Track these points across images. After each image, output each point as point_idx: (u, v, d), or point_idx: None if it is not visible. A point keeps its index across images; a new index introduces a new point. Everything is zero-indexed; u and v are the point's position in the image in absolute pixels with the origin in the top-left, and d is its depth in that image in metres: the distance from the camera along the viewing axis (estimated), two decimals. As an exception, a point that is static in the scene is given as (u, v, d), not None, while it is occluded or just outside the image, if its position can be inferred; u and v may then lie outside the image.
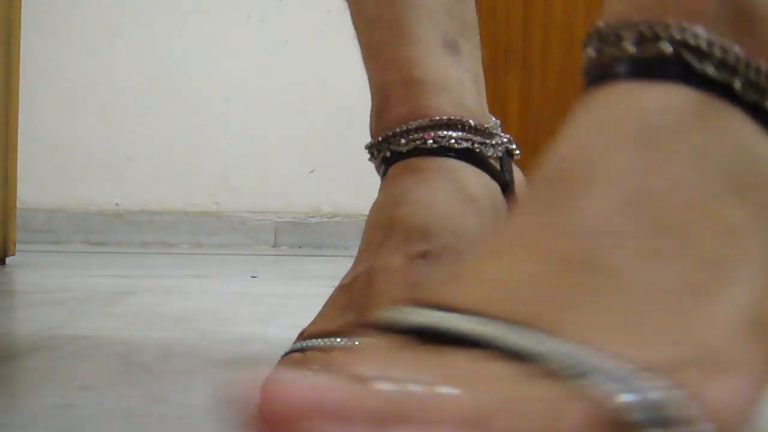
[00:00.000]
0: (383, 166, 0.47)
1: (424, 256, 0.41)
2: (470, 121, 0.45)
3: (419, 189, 0.44)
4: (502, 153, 0.48)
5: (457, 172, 0.45)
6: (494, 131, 0.47)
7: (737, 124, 0.25)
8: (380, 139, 0.47)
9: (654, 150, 0.25)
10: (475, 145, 0.45)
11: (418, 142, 0.45)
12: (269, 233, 1.90)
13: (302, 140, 1.91)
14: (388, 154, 0.47)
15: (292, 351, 0.40)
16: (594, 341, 0.20)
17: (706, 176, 0.24)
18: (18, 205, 1.31)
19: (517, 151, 0.50)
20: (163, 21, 1.89)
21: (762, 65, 0.25)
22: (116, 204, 1.88)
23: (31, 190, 1.81)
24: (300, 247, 1.88)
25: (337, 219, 1.86)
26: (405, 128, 0.45)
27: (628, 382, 0.19)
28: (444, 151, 0.45)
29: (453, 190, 0.44)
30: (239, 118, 1.90)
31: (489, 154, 0.46)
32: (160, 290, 0.98)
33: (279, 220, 1.90)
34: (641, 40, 0.26)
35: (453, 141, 0.45)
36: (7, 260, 1.27)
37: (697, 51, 0.25)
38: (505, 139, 0.48)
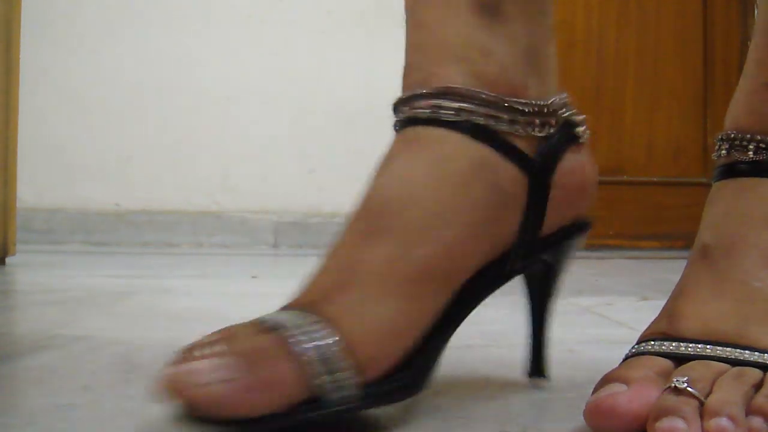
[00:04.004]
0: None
1: (369, 234, 0.40)
2: (481, 92, 0.42)
3: (399, 160, 0.42)
4: (546, 133, 0.43)
5: (446, 145, 0.42)
6: (528, 108, 0.42)
7: None
8: (394, 103, 0.45)
9: None
10: (478, 118, 0.41)
11: (416, 110, 0.42)
12: (269, 233, 1.90)
13: (302, 140, 1.91)
14: (396, 119, 0.44)
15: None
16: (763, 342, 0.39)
17: None
18: (18, 205, 1.31)
19: (582, 136, 0.45)
20: (163, 21, 1.89)
21: None
22: (116, 204, 1.88)
23: (31, 190, 1.81)
24: (300, 247, 1.88)
25: (337, 219, 1.86)
26: (408, 96, 0.43)
27: None
28: (438, 121, 0.42)
29: (433, 164, 0.41)
30: (239, 118, 1.90)
31: (503, 129, 0.42)
32: (160, 290, 0.98)
33: (279, 220, 1.90)
34: (757, 149, 0.44)
35: (450, 112, 0.42)
36: (7, 260, 1.26)
37: None
38: (554, 117, 0.43)
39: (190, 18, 1.90)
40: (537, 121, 0.43)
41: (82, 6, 1.88)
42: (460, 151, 0.41)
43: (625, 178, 1.98)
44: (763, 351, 0.38)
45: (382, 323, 0.38)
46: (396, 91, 0.46)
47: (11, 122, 1.24)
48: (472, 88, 0.42)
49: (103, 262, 1.45)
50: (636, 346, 0.41)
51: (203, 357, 0.34)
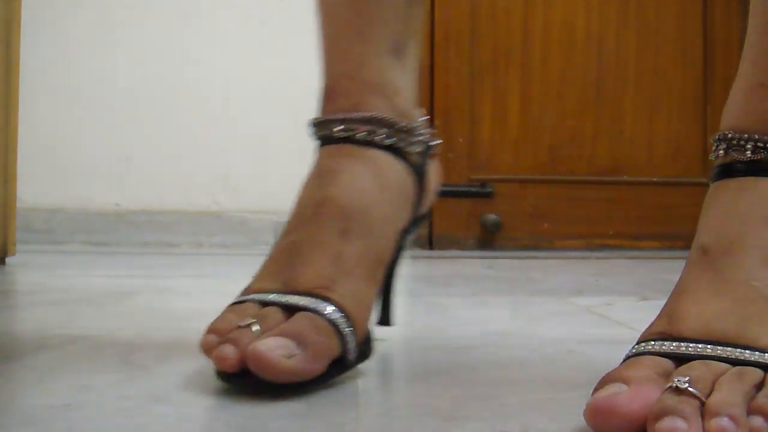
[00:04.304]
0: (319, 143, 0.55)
1: (344, 232, 0.51)
2: (399, 122, 0.54)
3: (348, 173, 0.53)
4: (423, 147, 0.56)
5: (380, 163, 0.54)
6: (418, 129, 0.55)
7: None
8: (321, 120, 0.55)
9: None
10: (399, 143, 0.54)
11: (352, 132, 0.53)
12: (269, 233, 1.90)
13: (302, 140, 1.91)
14: (325, 135, 0.55)
15: (236, 302, 0.50)
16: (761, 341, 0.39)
17: None
18: (18, 205, 1.31)
19: (434, 146, 0.58)
20: (163, 21, 1.89)
21: None
22: (116, 204, 1.88)
23: (31, 190, 1.81)
24: (300, 247, 1.88)
25: (337, 219, 1.86)
26: (343, 117, 0.54)
27: None
28: (372, 143, 0.54)
29: (374, 178, 0.53)
30: (239, 118, 1.90)
31: (410, 150, 0.55)
32: (160, 290, 0.98)
33: (279, 220, 1.90)
34: (755, 149, 0.44)
35: (381, 137, 0.54)
36: (7, 260, 1.26)
37: None
38: (426, 137, 0.56)
39: (190, 18, 1.90)
40: (419, 139, 0.56)
41: (82, 6, 1.88)
42: (390, 168, 0.54)
43: (625, 178, 1.98)
44: (763, 350, 0.38)
45: (362, 302, 0.50)
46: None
47: (11, 122, 1.24)
48: (395, 120, 0.54)
49: (103, 262, 1.45)
50: (636, 346, 0.41)
51: (269, 337, 0.43)
